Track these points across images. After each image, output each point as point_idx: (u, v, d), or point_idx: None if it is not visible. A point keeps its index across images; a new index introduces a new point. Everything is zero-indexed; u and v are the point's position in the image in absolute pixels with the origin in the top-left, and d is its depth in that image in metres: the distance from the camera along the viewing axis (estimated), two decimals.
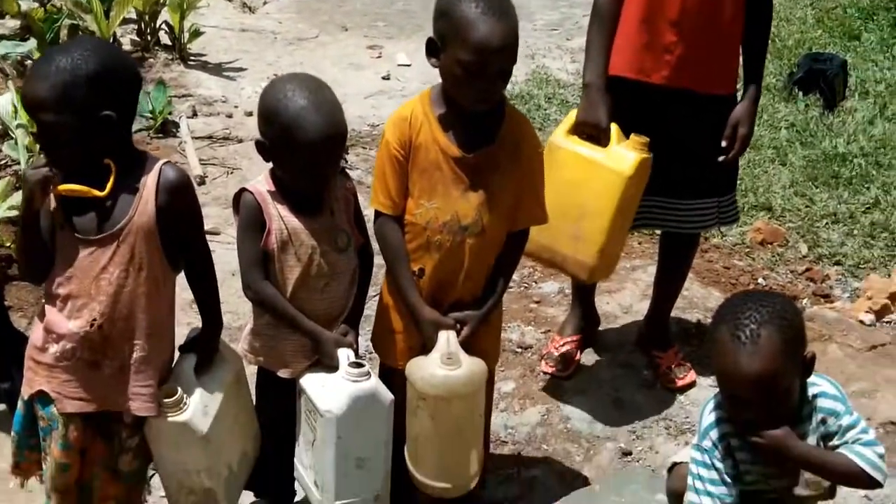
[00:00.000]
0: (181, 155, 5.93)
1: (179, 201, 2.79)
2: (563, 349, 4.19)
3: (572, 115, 3.72)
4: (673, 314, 4.38)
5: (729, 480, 2.75)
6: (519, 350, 4.34)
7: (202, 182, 5.62)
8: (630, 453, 3.83)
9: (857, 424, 2.73)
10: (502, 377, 4.15)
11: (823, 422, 2.73)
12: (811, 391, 2.73)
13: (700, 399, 4.01)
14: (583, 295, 4.28)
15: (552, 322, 4.48)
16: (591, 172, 3.61)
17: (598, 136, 3.64)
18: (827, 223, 5.41)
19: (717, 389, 2.77)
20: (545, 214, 3.22)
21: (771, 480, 2.81)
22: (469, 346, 3.11)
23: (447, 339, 3.07)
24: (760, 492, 2.85)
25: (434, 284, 3.12)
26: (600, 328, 4.41)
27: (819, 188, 5.73)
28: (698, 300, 4.65)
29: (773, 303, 2.64)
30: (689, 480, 2.80)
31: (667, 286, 4.20)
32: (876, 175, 5.86)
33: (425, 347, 3.10)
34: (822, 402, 2.74)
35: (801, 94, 6.88)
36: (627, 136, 3.61)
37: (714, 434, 2.77)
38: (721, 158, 3.75)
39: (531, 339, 4.39)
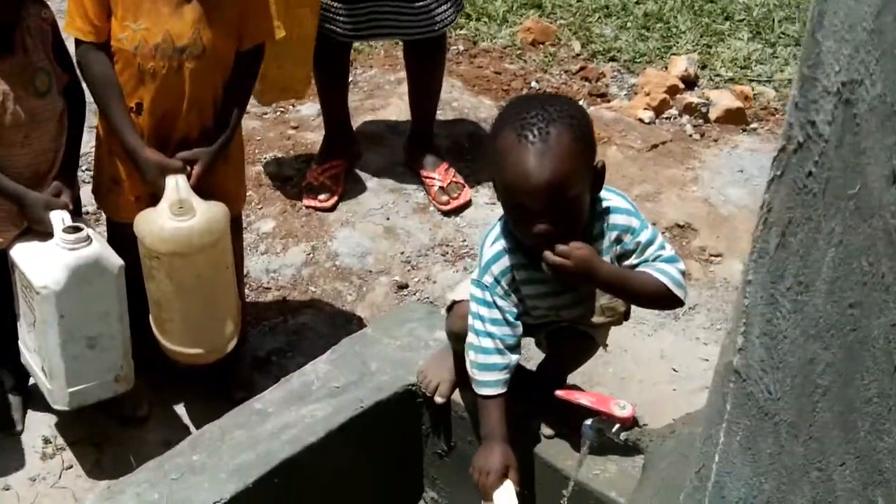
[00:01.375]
0: None
1: None
2: (325, 178, 3.79)
3: None
4: (442, 128, 4.03)
5: (512, 319, 2.42)
6: (277, 184, 3.91)
7: None
8: (406, 286, 3.51)
9: (655, 240, 2.42)
10: (260, 216, 3.74)
11: (619, 240, 2.40)
12: (603, 206, 2.40)
13: (478, 220, 3.71)
14: (335, 111, 3.86)
15: (313, 149, 4.04)
16: None
17: None
18: (599, 17, 5.09)
19: (498, 213, 2.42)
20: (273, 27, 2.77)
21: (563, 312, 2.50)
22: (208, 188, 2.67)
23: (176, 185, 2.63)
24: (550, 323, 2.55)
25: (155, 121, 2.66)
26: (365, 151, 4.01)
27: None
28: (469, 110, 4.29)
29: (559, 102, 2.28)
30: (469, 320, 2.46)
31: (421, 99, 3.83)
32: None
33: (154, 197, 2.64)
34: (614, 218, 2.40)
35: None
36: None
37: (496, 268, 2.41)
38: None
39: (290, 170, 3.96)
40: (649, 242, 2.38)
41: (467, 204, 3.77)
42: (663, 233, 3.52)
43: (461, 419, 2.80)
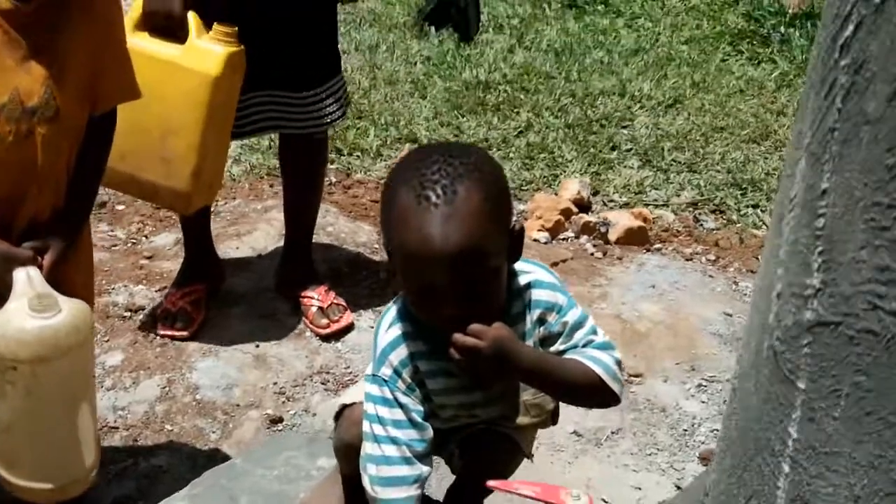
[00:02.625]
0: None
1: None
2: (183, 303, 3.27)
3: (139, 5, 2.81)
4: (318, 252, 3.58)
5: (419, 420, 1.93)
6: (127, 314, 3.37)
7: None
8: (280, 419, 2.97)
9: (585, 322, 1.96)
10: (106, 349, 3.19)
11: (542, 321, 1.94)
12: (522, 280, 1.95)
13: (361, 345, 3.23)
14: (195, 234, 3.38)
15: (169, 278, 3.51)
16: (170, 76, 2.77)
17: (172, 29, 2.78)
18: None
19: (392, 301, 1.96)
20: (136, 87, 2.33)
21: (478, 411, 2.02)
22: (59, 282, 2.17)
23: (28, 277, 2.11)
24: (463, 427, 2.07)
25: None
26: (230, 276, 3.51)
27: (465, 116, 5.10)
28: (346, 235, 3.85)
29: (466, 153, 1.83)
30: (365, 426, 1.95)
31: (299, 206, 3.38)
32: (524, 99, 5.31)
33: None
34: (537, 294, 1.94)
35: (433, 29, 6.25)
36: (210, 28, 2.78)
37: (395, 357, 1.92)
38: None
39: (143, 300, 3.43)
40: (578, 324, 1.93)
41: (349, 328, 3.29)
42: None
43: None
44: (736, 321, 3.35)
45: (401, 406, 1.91)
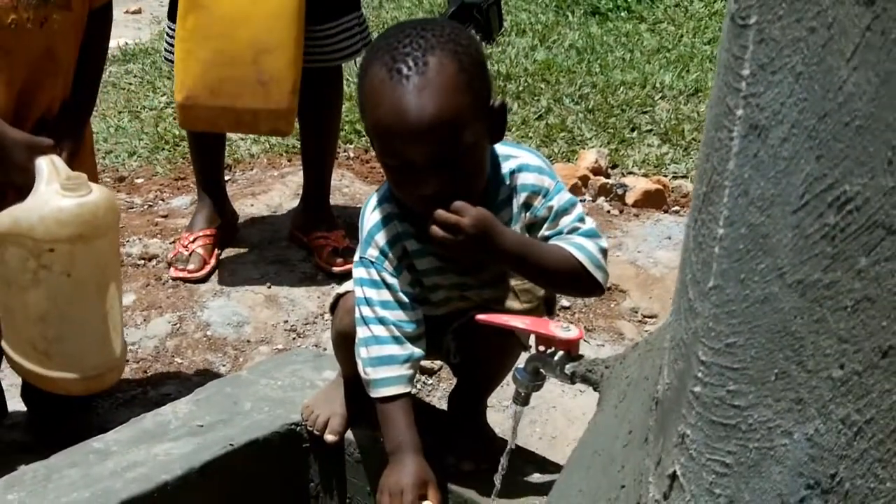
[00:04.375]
0: None
1: None
2: (196, 247, 3.27)
3: None
4: (334, 210, 3.56)
5: (407, 300, 1.90)
6: (141, 262, 3.37)
7: None
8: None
9: (572, 209, 1.92)
10: None
11: (527, 206, 1.90)
12: (507, 166, 1.91)
13: None
14: (210, 180, 3.38)
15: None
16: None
17: None
18: None
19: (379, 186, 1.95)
20: None
21: (470, 293, 1.99)
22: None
23: (52, 163, 2.14)
24: (455, 314, 2.04)
25: (14, 92, 2.17)
26: (244, 228, 3.51)
27: None
28: (362, 196, 3.83)
29: (438, 26, 1.81)
30: (357, 311, 1.93)
31: (316, 147, 3.38)
32: (545, 89, 5.31)
33: (18, 189, 2.14)
34: (523, 178, 1.90)
35: None
36: None
37: (381, 238, 1.90)
38: None
39: (157, 250, 3.43)
40: (564, 210, 1.89)
41: None
42: None
43: (357, 464, 2.23)
44: None
45: (388, 286, 1.89)
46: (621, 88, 5.27)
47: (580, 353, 1.65)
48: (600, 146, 4.50)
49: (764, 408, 0.84)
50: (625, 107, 5.01)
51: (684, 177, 4.28)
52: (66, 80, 2.27)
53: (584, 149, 4.47)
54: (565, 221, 1.88)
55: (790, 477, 0.83)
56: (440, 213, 1.73)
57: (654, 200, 3.87)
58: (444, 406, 2.31)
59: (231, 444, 2.16)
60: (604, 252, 1.87)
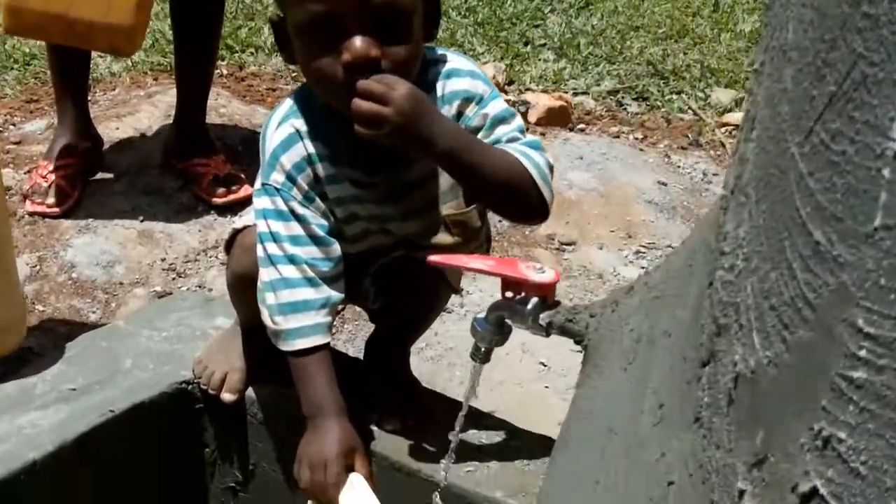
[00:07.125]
0: None
1: None
2: (56, 178, 2.87)
3: None
4: (212, 132, 3.20)
5: (322, 234, 1.58)
6: None
7: None
8: (170, 294, 2.60)
9: (512, 119, 1.63)
10: None
11: (460, 114, 1.60)
12: (436, 71, 1.61)
13: None
14: (71, 97, 2.97)
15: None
16: None
17: None
18: None
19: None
20: None
21: (391, 225, 1.67)
22: None
23: None
24: (377, 254, 1.73)
25: None
26: (110, 154, 3.12)
27: None
28: (240, 116, 3.48)
29: None
30: (259, 249, 1.60)
31: (191, 65, 3.01)
32: None
33: None
34: (455, 84, 1.60)
35: None
36: None
37: (287, 160, 1.57)
38: None
39: (9, 181, 3.02)
40: (501, 118, 1.59)
41: (247, 200, 2.92)
42: (498, 223, 2.78)
43: (260, 425, 1.92)
44: (671, 190, 3.08)
45: (297, 218, 1.57)
46: (510, 1, 4.98)
47: (556, 299, 1.36)
48: (494, 61, 4.21)
49: None
50: (515, 20, 4.72)
51: (585, 93, 4.02)
52: None
53: (478, 63, 4.17)
54: (503, 131, 1.58)
55: None
56: (366, 82, 1.41)
57: (558, 118, 3.60)
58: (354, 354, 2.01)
59: (111, 410, 1.85)
60: (551, 168, 1.58)
